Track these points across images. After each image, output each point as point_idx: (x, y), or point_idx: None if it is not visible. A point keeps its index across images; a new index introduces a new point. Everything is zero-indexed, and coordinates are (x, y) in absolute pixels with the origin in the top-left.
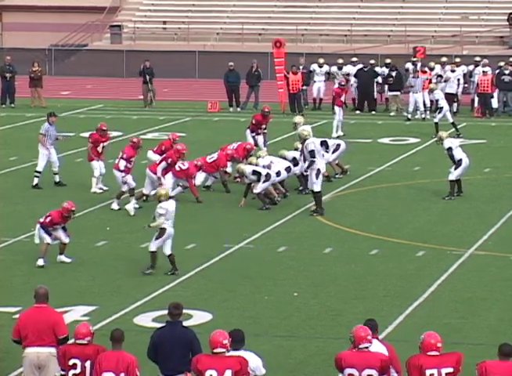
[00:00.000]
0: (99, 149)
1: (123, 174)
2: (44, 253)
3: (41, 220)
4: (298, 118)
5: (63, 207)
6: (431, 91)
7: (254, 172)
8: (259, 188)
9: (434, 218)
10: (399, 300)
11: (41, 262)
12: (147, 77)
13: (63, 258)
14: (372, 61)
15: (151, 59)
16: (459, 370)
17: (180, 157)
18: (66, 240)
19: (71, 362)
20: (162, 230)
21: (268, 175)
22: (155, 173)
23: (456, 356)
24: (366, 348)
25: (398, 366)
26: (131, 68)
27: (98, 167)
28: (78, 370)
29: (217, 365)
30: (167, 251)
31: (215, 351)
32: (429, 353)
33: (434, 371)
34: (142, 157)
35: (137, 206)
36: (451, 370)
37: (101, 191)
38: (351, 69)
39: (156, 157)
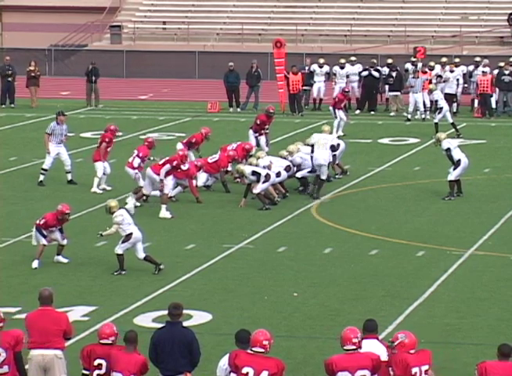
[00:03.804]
0: (109, 149)
1: (136, 171)
2: (39, 254)
3: (37, 222)
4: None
5: (57, 210)
6: (430, 91)
7: (254, 173)
8: (259, 188)
9: (434, 218)
10: (399, 300)
11: (35, 263)
12: (93, 78)
13: (60, 258)
14: (374, 61)
15: (151, 59)
16: (432, 366)
17: (184, 161)
18: (63, 242)
19: (96, 362)
20: (128, 235)
21: (267, 176)
22: (157, 174)
23: (428, 353)
24: (353, 350)
25: None
26: (131, 68)
27: (101, 167)
28: (103, 371)
29: (255, 364)
30: (140, 255)
31: (254, 350)
32: (411, 351)
33: (417, 369)
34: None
35: (138, 204)
36: (427, 367)
37: (101, 192)
38: (350, 69)
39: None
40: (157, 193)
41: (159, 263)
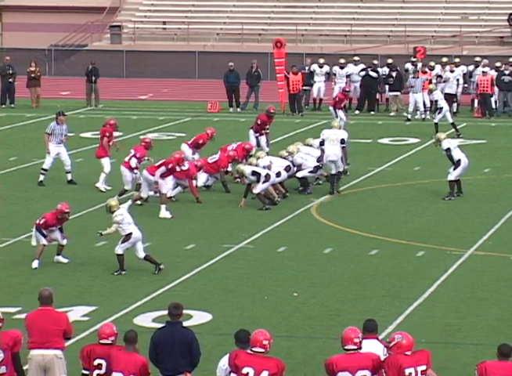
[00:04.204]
0: (111, 143)
1: (135, 171)
2: (39, 255)
3: (37, 222)
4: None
5: (57, 209)
6: (430, 91)
7: (254, 173)
8: (259, 188)
9: (434, 218)
10: (399, 300)
11: (35, 263)
12: (93, 78)
13: (60, 258)
14: (374, 62)
15: (151, 59)
16: (431, 366)
17: (180, 164)
18: (63, 241)
19: (96, 362)
20: (128, 235)
21: (267, 176)
22: (153, 175)
23: (426, 354)
24: (353, 350)
25: None
26: (131, 68)
27: (108, 163)
28: (103, 371)
29: (255, 364)
30: (140, 254)
31: (254, 350)
32: (407, 353)
33: (412, 370)
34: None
35: (138, 202)
36: (424, 367)
37: (110, 188)
38: (353, 69)
39: (189, 152)
40: (152, 193)
41: (159, 263)
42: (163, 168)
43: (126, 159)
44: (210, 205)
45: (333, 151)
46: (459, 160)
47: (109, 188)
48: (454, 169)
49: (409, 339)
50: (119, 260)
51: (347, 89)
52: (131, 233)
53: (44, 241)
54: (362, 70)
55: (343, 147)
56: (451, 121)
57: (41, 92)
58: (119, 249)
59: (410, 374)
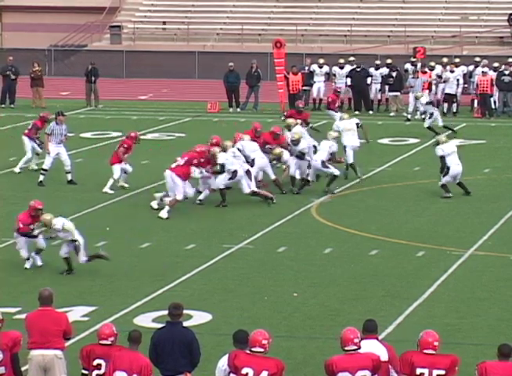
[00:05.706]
0: (126, 155)
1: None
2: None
3: (18, 228)
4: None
5: (29, 207)
6: (417, 99)
7: (222, 166)
8: (252, 186)
9: (434, 218)
10: (399, 300)
11: (34, 263)
12: (92, 78)
13: (37, 257)
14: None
15: (151, 59)
16: (454, 373)
17: (203, 157)
18: (42, 245)
19: (96, 362)
20: (73, 240)
21: (234, 172)
22: (184, 178)
23: (451, 359)
24: (353, 350)
25: (397, 367)
26: (131, 68)
27: (118, 169)
28: (102, 371)
29: (254, 364)
30: (82, 259)
31: (253, 350)
32: (425, 351)
33: (425, 371)
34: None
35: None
36: (442, 372)
37: (112, 192)
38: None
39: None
40: (206, 192)
41: (72, 269)
42: (193, 167)
43: (173, 166)
44: (211, 205)
45: (353, 139)
46: (448, 168)
47: (126, 186)
48: (444, 176)
49: (432, 337)
50: (67, 262)
51: (338, 90)
52: (77, 240)
53: (42, 242)
54: (350, 71)
55: (361, 125)
56: (441, 124)
57: (43, 91)
58: (63, 253)
59: (422, 374)
